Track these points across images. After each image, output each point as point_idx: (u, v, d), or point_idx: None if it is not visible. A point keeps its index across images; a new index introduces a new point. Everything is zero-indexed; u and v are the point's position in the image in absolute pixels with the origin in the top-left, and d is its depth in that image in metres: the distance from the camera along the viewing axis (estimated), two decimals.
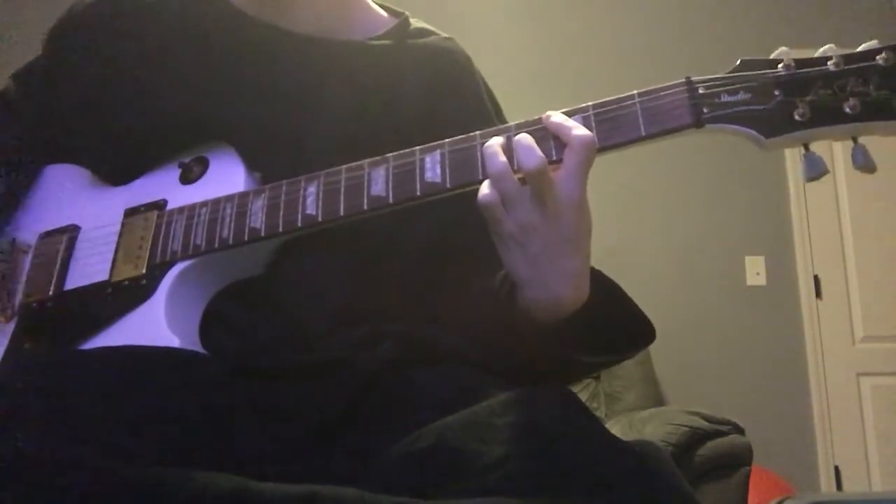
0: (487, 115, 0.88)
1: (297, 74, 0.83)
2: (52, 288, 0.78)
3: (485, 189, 0.65)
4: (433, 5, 3.41)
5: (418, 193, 0.69)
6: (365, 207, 0.70)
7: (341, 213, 0.71)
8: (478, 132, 0.69)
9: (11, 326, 0.78)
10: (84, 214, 0.83)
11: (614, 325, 0.73)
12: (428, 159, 0.69)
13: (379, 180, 0.70)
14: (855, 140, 0.63)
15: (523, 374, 0.72)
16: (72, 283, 0.79)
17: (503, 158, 0.65)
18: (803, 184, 3.38)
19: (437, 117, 0.78)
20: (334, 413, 0.67)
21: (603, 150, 0.66)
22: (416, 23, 0.93)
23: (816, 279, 3.34)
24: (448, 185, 0.68)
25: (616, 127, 0.66)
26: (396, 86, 0.85)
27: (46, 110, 0.89)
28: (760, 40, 3.35)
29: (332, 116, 0.82)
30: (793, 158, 3.35)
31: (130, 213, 0.80)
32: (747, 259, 3.31)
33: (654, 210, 3.32)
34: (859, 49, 0.62)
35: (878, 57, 0.61)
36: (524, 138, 0.65)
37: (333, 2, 0.89)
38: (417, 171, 0.69)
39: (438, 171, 0.69)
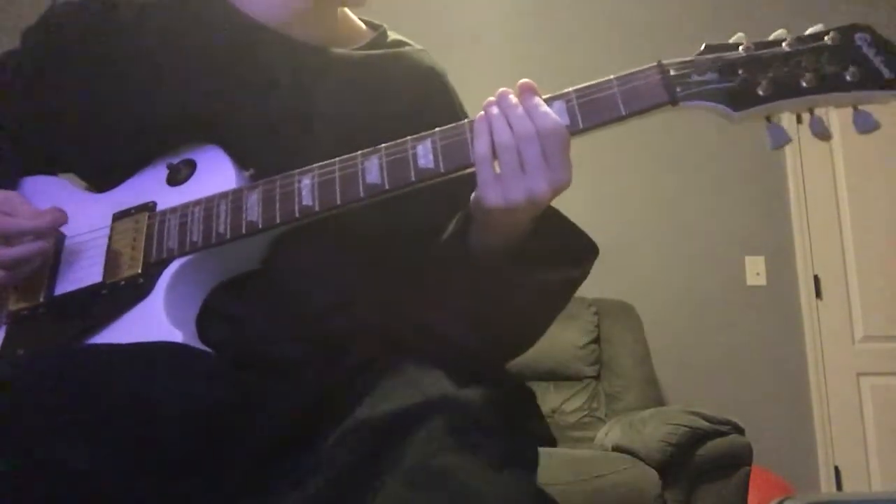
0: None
1: (292, 77, 0.85)
2: (42, 294, 0.79)
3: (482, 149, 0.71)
4: (433, 4, 3.42)
5: (413, 179, 0.73)
6: (361, 195, 0.73)
7: (338, 201, 0.73)
8: (466, 120, 0.74)
9: None
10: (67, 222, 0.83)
11: (559, 242, 0.79)
12: (420, 147, 0.73)
13: (373, 169, 0.73)
14: (811, 112, 0.70)
15: (508, 341, 0.80)
16: (62, 288, 0.79)
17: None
18: (803, 184, 3.38)
19: (420, 124, 0.80)
20: (300, 416, 0.68)
21: (587, 129, 0.71)
22: (392, 34, 0.98)
23: (816, 279, 3.34)
24: (442, 170, 0.72)
25: (597, 108, 0.71)
26: (382, 93, 0.88)
27: (29, 113, 0.88)
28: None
29: (324, 118, 0.84)
30: (793, 157, 3.35)
31: (119, 216, 0.81)
32: (747, 259, 3.31)
33: (654, 210, 3.32)
34: (807, 32, 0.70)
35: (826, 38, 0.69)
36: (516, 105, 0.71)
37: (326, 13, 0.92)
38: (411, 158, 0.73)
39: (431, 157, 0.72)
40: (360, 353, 0.72)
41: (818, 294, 3.33)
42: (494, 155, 0.70)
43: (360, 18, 0.98)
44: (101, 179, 0.85)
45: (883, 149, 3.22)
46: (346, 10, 0.96)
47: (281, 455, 0.64)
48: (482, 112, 0.72)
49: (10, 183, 0.86)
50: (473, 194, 0.74)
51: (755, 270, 3.31)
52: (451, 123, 0.74)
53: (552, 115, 0.70)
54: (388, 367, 0.69)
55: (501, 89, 0.73)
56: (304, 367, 0.71)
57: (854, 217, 3.38)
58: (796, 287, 3.33)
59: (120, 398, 0.60)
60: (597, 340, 2.90)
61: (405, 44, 0.97)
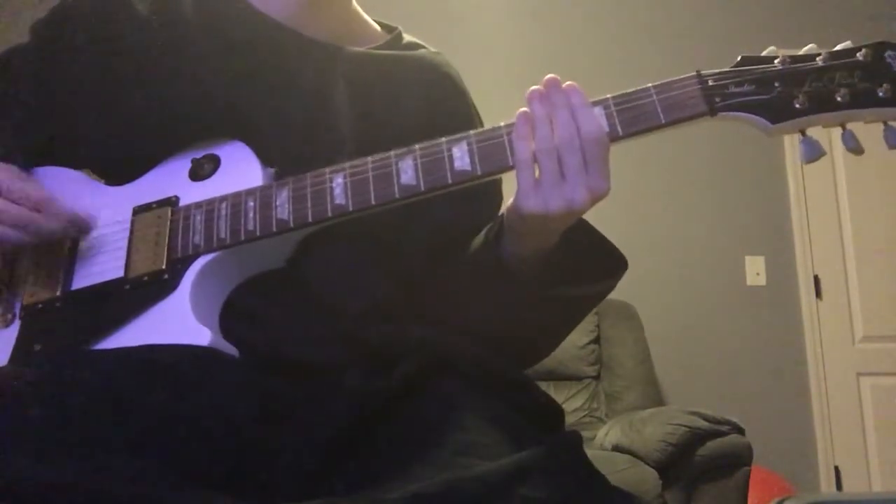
0: (477, 126, 0.91)
1: (310, 74, 0.85)
2: (59, 288, 0.78)
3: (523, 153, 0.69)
4: (436, 3, 3.42)
5: (449, 181, 0.72)
6: (396, 195, 0.72)
7: (373, 201, 0.72)
8: (503, 123, 0.73)
9: (10, 332, 0.77)
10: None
11: (591, 255, 0.79)
12: (456, 149, 0.72)
13: (408, 170, 0.72)
14: (843, 126, 0.70)
15: (529, 351, 0.80)
16: (80, 282, 0.78)
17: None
18: (803, 183, 3.38)
19: (434, 124, 0.80)
20: (345, 427, 0.66)
21: (626, 137, 0.70)
22: (407, 37, 0.97)
23: (816, 279, 3.34)
24: (479, 173, 0.71)
25: (637, 116, 0.71)
26: (397, 93, 0.88)
27: (41, 106, 0.87)
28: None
29: (341, 115, 0.84)
30: (793, 155, 3.35)
31: (140, 210, 0.79)
32: (747, 259, 3.32)
33: (655, 210, 3.32)
34: (837, 48, 0.70)
35: (858, 54, 0.69)
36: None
37: (343, 14, 0.93)
38: (446, 160, 0.72)
39: (467, 160, 0.72)
40: (401, 367, 0.71)
41: (818, 294, 3.33)
42: (535, 159, 0.69)
43: (374, 21, 0.98)
44: (118, 172, 0.83)
45: (883, 149, 3.22)
46: (359, 10, 0.96)
47: (328, 464, 0.63)
48: (524, 109, 0.70)
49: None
50: (510, 201, 0.74)
51: (755, 270, 3.31)
52: (466, 127, 0.74)
53: (597, 119, 0.69)
54: (438, 392, 0.69)
55: (546, 82, 0.71)
56: (345, 374, 0.70)
57: (854, 217, 3.38)
58: (796, 287, 3.33)
59: (151, 414, 0.59)
60: (597, 340, 2.91)
61: (420, 46, 0.96)
